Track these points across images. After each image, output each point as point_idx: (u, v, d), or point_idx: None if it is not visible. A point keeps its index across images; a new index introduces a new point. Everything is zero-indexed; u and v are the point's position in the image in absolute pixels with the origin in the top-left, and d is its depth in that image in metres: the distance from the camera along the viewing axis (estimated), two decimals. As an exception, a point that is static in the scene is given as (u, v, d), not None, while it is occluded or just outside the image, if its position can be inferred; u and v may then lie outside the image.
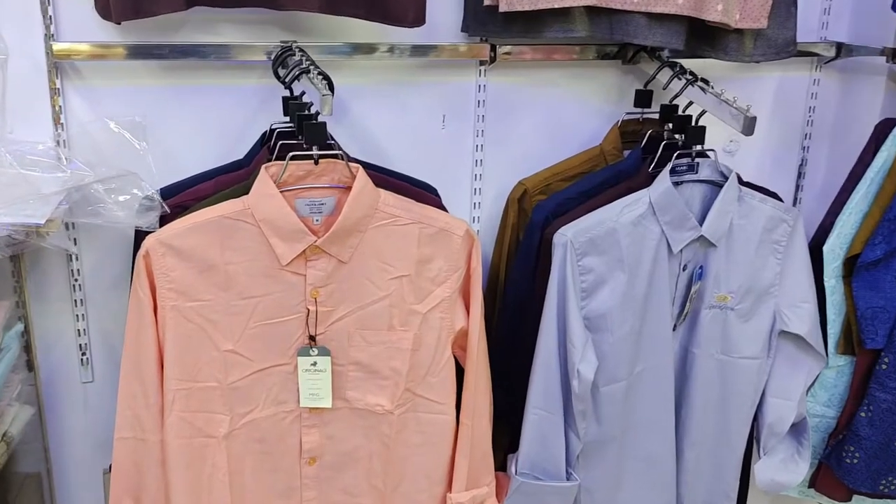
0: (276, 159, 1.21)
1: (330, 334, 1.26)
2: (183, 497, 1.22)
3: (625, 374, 1.41)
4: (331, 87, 1.15)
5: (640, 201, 1.37)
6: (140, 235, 1.24)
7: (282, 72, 1.26)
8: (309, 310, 1.24)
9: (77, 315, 1.44)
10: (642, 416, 1.45)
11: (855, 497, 1.70)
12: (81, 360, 1.47)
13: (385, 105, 1.49)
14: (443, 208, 1.40)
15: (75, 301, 1.43)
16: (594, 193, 1.42)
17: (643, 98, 1.52)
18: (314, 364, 1.25)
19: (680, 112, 1.43)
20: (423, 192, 1.39)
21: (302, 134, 1.18)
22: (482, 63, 1.51)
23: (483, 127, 1.55)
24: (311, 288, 1.23)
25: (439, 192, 1.45)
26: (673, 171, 1.38)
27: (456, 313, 1.31)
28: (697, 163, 1.41)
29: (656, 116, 1.52)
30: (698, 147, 1.41)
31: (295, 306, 1.23)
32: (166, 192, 1.29)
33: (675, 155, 1.38)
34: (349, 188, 1.22)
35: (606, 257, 1.35)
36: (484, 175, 1.59)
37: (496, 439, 1.52)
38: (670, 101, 1.44)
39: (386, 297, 1.26)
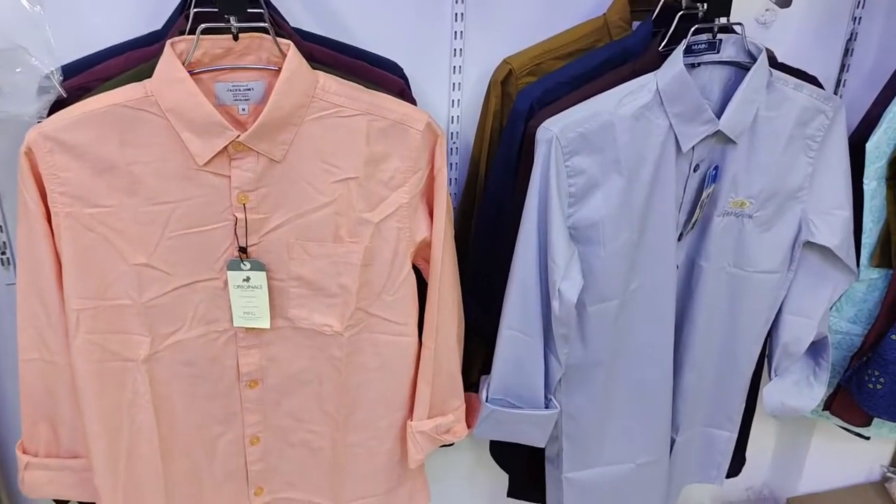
0: (190, 32, 0.98)
1: (266, 245, 1.07)
2: (98, 425, 1.07)
3: (617, 291, 1.21)
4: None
5: (646, 88, 1.12)
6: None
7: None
8: (237, 217, 1.03)
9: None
10: (636, 338, 1.27)
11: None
12: (2, 259, 1.30)
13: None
14: (408, 93, 1.17)
15: None
16: (591, 77, 1.17)
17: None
18: (247, 280, 1.07)
19: (703, -26, 1.15)
20: (384, 74, 1.15)
21: None
22: None
23: (462, 9, 1.28)
24: (238, 192, 1.02)
25: (408, 72, 1.21)
26: (688, 51, 1.13)
27: (416, 222, 1.10)
28: (720, 39, 1.15)
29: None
30: (723, 20, 1.15)
31: (220, 213, 1.03)
32: (67, 71, 1.06)
33: (693, 30, 1.11)
34: (280, 70, 0.99)
35: (600, 157, 1.12)
36: (465, 50, 1.33)
37: (470, 356, 1.35)
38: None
39: (330, 202, 1.05)
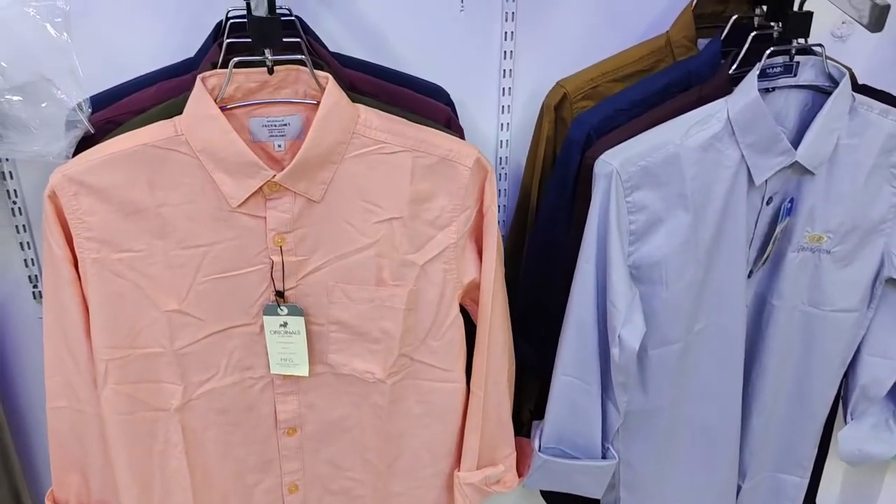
0: (223, 64, 0.91)
1: (304, 289, 1.00)
2: (129, 475, 1.02)
3: (681, 333, 1.11)
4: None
5: (715, 117, 1.02)
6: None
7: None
8: (273, 260, 0.97)
9: (22, 243, 1.21)
10: (701, 382, 1.17)
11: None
12: (34, 293, 1.25)
13: (384, -19, 1.15)
14: (455, 121, 1.09)
15: (17, 227, 1.20)
16: (653, 103, 1.08)
17: (730, -33, 1.14)
18: (284, 325, 1.00)
19: (779, -10, 1.05)
20: (429, 102, 1.07)
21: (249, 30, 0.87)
22: (512, -78, 1.14)
23: (514, 8, 1.20)
24: (274, 234, 0.96)
25: (454, 94, 1.14)
26: (762, 74, 1.03)
27: (464, 263, 1.02)
28: (797, 62, 1.05)
29: (746, -6, 1.15)
30: (800, 41, 1.04)
31: (255, 256, 0.97)
32: (95, 103, 1.00)
33: (768, 52, 1.01)
34: (319, 104, 0.92)
35: (664, 192, 1.03)
36: (515, 71, 1.25)
37: (521, 394, 1.27)
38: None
39: (372, 244, 0.98)
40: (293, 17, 1.00)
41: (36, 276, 1.24)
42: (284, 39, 0.88)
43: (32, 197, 1.19)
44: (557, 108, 1.17)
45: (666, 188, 1.03)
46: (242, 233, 0.95)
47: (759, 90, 1.02)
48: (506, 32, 1.21)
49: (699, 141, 1.02)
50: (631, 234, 1.05)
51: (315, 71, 0.90)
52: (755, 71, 1.01)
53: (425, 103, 1.07)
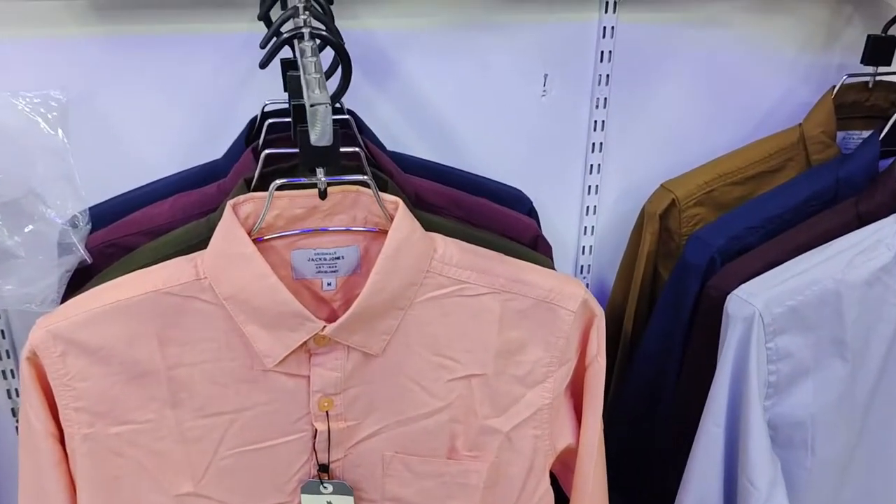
0: (259, 181, 0.70)
1: (354, 459, 0.77)
2: None
3: (825, 508, 0.88)
4: (345, 64, 0.62)
5: (884, 243, 0.80)
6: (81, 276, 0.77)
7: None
8: (316, 428, 0.74)
9: (9, 390, 1.00)
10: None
11: None
12: (17, 428, 1.03)
13: (452, 60, 0.95)
14: (543, 240, 0.88)
15: (4, 372, 0.99)
16: (792, 219, 0.86)
17: (881, 48, 0.92)
18: (328, 506, 0.78)
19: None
20: (512, 216, 0.86)
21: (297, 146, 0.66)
22: (611, -8, 0.94)
23: (607, 93, 0.99)
24: (320, 396, 0.73)
25: (531, 193, 0.93)
26: (941, 189, 0.81)
27: (559, 427, 0.79)
28: (982, 172, 0.83)
29: (900, 81, 0.94)
30: None
31: (293, 423, 0.75)
32: (95, 217, 0.79)
33: (951, 163, 0.80)
34: (383, 231, 0.70)
35: (815, 336, 0.81)
36: (605, 166, 1.04)
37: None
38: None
39: (444, 407, 0.76)
40: (346, 114, 0.80)
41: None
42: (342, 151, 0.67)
43: (19, 317, 0.98)
44: (664, 216, 0.95)
45: (817, 332, 0.80)
46: (278, 396, 0.73)
47: (937, 208, 0.80)
48: (595, 121, 1.00)
49: (865, 274, 0.79)
50: (769, 385, 0.82)
51: (381, 194, 0.69)
52: (934, 185, 0.79)
53: (507, 218, 0.86)
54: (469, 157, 0.99)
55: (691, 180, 0.95)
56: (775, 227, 0.86)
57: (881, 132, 0.87)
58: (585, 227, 1.06)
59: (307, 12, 0.66)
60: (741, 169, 0.95)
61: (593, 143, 1.01)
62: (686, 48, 0.99)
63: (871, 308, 0.80)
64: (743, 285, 0.80)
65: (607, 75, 0.98)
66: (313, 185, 0.67)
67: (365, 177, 0.67)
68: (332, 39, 0.61)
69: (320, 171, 0.67)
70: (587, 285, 1.10)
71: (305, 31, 0.60)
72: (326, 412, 0.74)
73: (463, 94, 0.97)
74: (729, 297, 0.80)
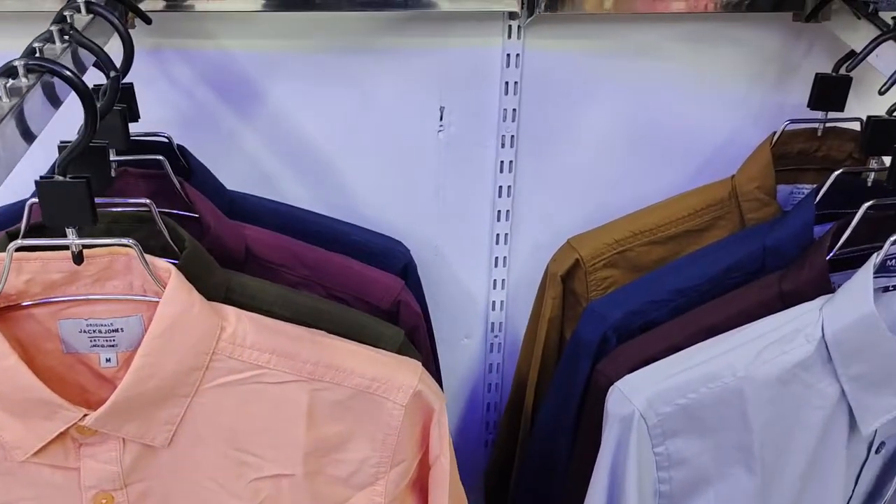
0: (28, 232, 0.58)
1: (154, 563, 0.65)
2: None
3: None
4: (86, 106, 0.50)
5: (802, 334, 0.65)
6: None
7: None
8: (96, 529, 0.63)
9: None
10: None
11: None
12: None
13: (330, 90, 0.82)
14: (406, 305, 0.74)
15: None
16: (706, 294, 0.72)
17: (832, 89, 0.77)
18: None
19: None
20: (367, 276, 0.73)
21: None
22: (512, 17, 0.80)
23: (514, 130, 0.86)
24: (95, 492, 0.61)
25: (432, 242, 0.81)
26: (882, 268, 0.66)
27: (401, 534, 0.66)
28: (935, 248, 0.67)
29: (854, 128, 0.78)
30: (942, 215, 0.67)
31: (69, 521, 0.63)
32: None
33: (894, 239, 0.64)
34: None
35: (714, 440, 0.66)
36: (516, 212, 0.90)
37: None
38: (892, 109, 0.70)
39: (250, 510, 0.63)
40: (162, 153, 0.68)
41: None
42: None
43: None
44: (567, 278, 0.82)
45: (717, 436, 0.66)
46: (44, 492, 0.61)
47: (875, 291, 0.64)
48: (501, 162, 0.87)
49: (776, 370, 0.64)
50: (661, 496, 0.68)
51: (152, 261, 0.56)
52: (870, 266, 0.64)
53: (363, 279, 0.73)
54: (355, 201, 0.87)
55: (601, 237, 0.81)
56: (686, 302, 0.72)
57: (818, 193, 0.71)
58: (495, 281, 0.93)
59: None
60: (662, 226, 0.81)
61: (499, 187, 0.88)
62: (608, 81, 0.85)
63: (786, 412, 0.65)
64: (627, 376, 0.65)
65: (514, 109, 0.84)
66: (62, 249, 0.55)
67: (125, 240, 0.55)
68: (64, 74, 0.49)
69: (71, 232, 0.55)
70: (499, 346, 0.97)
71: (19, 63, 0.48)
72: (107, 510, 0.62)
73: (346, 128, 0.84)
74: (610, 389, 0.66)
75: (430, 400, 0.63)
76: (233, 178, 0.79)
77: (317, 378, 0.60)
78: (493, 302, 0.94)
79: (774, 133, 0.78)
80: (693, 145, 0.88)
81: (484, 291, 0.94)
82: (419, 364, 0.63)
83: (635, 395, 0.64)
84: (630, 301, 0.73)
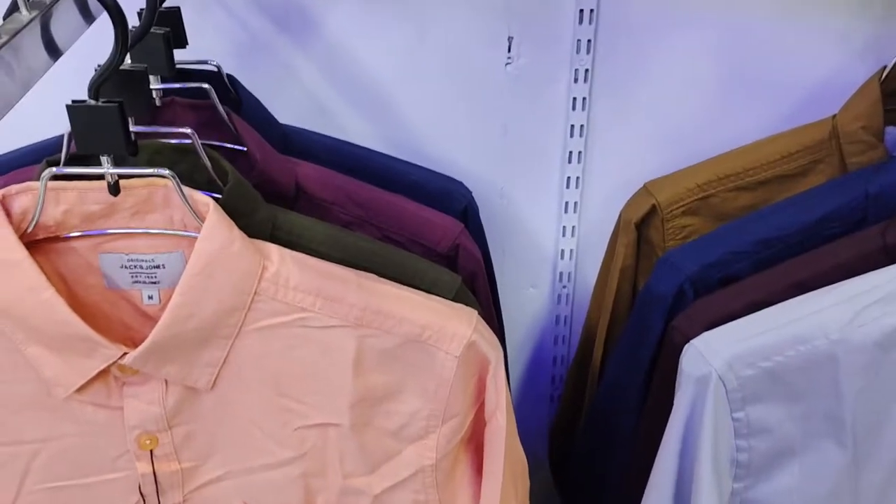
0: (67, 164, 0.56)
1: (198, 502, 0.64)
2: None
3: None
4: (117, 27, 0.46)
5: (910, 292, 0.58)
6: None
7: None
8: (141, 470, 0.61)
9: None
10: None
11: None
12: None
13: (392, 17, 0.77)
14: (465, 249, 0.70)
15: None
16: (797, 246, 0.64)
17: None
18: (164, 558, 0.64)
19: None
20: (423, 216, 0.69)
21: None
22: (590, -66, 0.73)
23: (589, 63, 0.79)
24: (139, 433, 0.60)
25: (495, 185, 0.76)
26: None
27: (454, 493, 0.63)
28: None
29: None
30: None
31: (114, 461, 0.62)
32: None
33: None
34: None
35: (804, 408, 0.60)
36: (589, 154, 0.84)
37: None
38: None
39: (293, 458, 0.61)
40: (207, 76, 0.64)
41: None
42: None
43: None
44: (642, 225, 0.75)
45: (805, 405, 0.59)
46: (88, 429, 0.60)
47: None
48: (574, 98, 0.80)
49: (875, 334, 0.57)
50: (738, 465, 0.62)
51: (190, 194, 0.53)
52: None
53: (420, 220, 0.68)
54: (415, 137, 0.82)
55: (682, 181, 0.74)
56: (773, 254, 0.65)
57: (935, 133, 0.63)
58: (564, 228, 0.87)
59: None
60: (751, 170, 0.73)
61: (572, 126, 0.81)
62: (695, 9, 0.77)
63: (885, 382, 0.58)
64: (705, 334, 0.59)
65: (589, 40, 0.77)
66: (99, 178, 0.52)
67: (162, 170, 0.52)
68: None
69: (106, 160, 0.52)
70: (568, 298, 0.91)
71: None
72: (151, 451, 0.61)
73: (406, 60, 0.79)
74: (686, 346, 0.60)
75: (486, 351, 0.58)
76: (288, 112, 0.75)
77: (364, 324, 0.56)
78: (563, 250, 0.88)
79: (885, 68, 0.69)
80: (788, 82, 0.80)
81: (552, 238, 0.88)
82: (475, 312, 0.59)
83: (713, 355, 0.58)
84: (709, 252, 0.66)
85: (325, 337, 0.57)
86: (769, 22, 0.77)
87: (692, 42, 0.78)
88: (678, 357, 0.62)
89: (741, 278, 0.65)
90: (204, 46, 0.69)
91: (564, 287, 0.90)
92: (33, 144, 0.71)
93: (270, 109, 0.72)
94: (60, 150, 0.65)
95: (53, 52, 0.46)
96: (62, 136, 0.70)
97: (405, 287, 0.59)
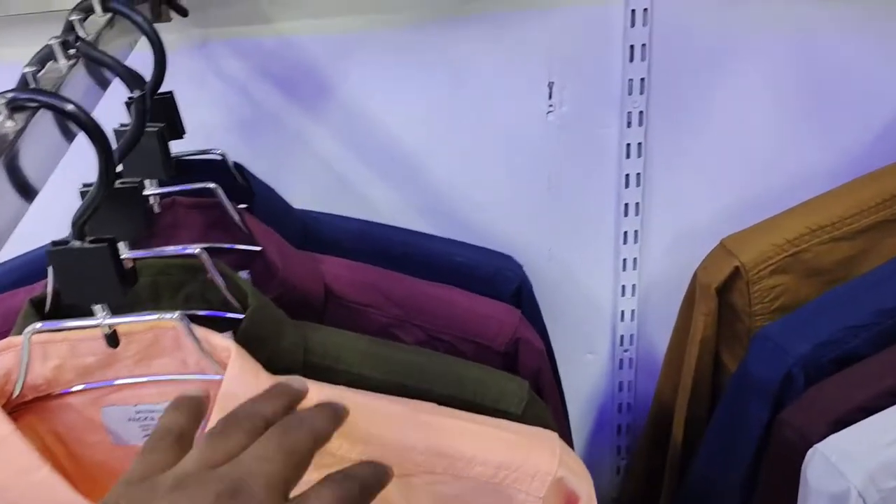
0: (52, 310, 0.46)
1: None
2: None
3: None
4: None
5: None
6: None
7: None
8: None
9: None
10: None
11: None
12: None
13: (418, 69, 0.67)
14: (526, 342, 0.60)
15: None
16: (927, 315, 0.54)
17: None
18: None
19: None
20: (467, 304, 0.59)
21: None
22: (639, -37, 0.63)
23: (643, 105, 0.69)
24: None
25: (540, 248, 0.67)
26: None
27: None
28: None
29: None
30: None
31: None
32: None
33: None
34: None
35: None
36: (646, 205, 0.74)
37: None
38: None
39: None
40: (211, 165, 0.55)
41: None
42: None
43: None
44: (724, 290, 0.65)
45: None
46: None
47: None
48: (628, 145, 0.70)
49: None
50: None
51: (206, 337, 0.43)
52: None
53: (469, 314, 0.58)
54: (449, 202, 0.72)
55: (766, 236, 0.64)
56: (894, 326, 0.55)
57: None
58: (623, 287, 0.77)
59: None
60: (849, 218, 0.63)
61: (627, 175, 0.71)
62: (760, 34, 0.67)
63: None
64: (832, 439, 0.49)
65: (642, 79, 0.67)
66: (91, 328, 0.42)
67: (169, 314, 0.42)
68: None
69: (101, 309, 0.42)
70: (630, 361, 0.81)
71: (-1, 100, 0.35)
72: None
73: (435, 115, 0.69)
74: (810, 452, 0.50)
75: (575, 486, 0.48)
76: (303, 186, 0.67)
77: (427, 470, 0.46)
78: (622, 311, 0.78)
79: None
80: (874, 110, 0.69)
81: (609, 299, 0.78)
82: (555, 437, 0.49)
83: (850, 468, 0.48)
84: (818, 326, 0.56)
85: (383, 492, 0.47)
86: (846, 41, 0.67)
87: (757, 72, 0.69)
88: (791, 456, 0.52)
89: (860, 357, 0.55)
90: (202, 122, 0.60)
91: (626, 350, 0.81)
92: (16, 259, 0.61)
93: (282, 185, 0.62)
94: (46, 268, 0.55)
95: (28, 193, 0.36)
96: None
97: (468, 415, 0.49)
